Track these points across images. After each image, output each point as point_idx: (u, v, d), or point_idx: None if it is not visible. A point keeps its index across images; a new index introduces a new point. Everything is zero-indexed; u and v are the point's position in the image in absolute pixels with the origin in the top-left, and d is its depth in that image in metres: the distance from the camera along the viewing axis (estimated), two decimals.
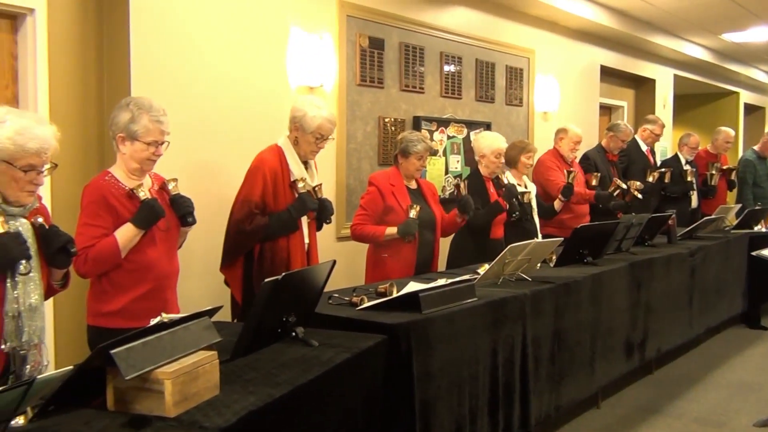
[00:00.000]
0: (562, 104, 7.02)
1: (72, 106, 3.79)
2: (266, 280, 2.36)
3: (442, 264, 4.52)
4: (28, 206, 2.21)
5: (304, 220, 3.62)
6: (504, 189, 4.60)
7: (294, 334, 2.54)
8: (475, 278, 3.42)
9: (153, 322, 2.02)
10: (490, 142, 4.59)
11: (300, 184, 3.52)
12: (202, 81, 4.05)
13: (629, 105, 9.36)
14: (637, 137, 6.81)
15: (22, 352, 1.85)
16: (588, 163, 6.03)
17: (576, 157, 5.71)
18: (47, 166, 2.20)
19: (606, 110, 8.84)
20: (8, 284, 2.10)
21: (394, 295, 3.03)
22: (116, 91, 3.80)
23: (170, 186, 2.90)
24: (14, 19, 3.66)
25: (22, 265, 2.09)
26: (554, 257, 4.25)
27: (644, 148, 6.80)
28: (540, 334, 3.53)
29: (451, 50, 5.69)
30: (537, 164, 5.55)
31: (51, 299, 3.56)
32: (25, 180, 2.13)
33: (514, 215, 4.64)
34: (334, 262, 2.80)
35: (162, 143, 2.77)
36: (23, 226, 2.17)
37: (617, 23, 7.47)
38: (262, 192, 3.45)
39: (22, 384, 1.49)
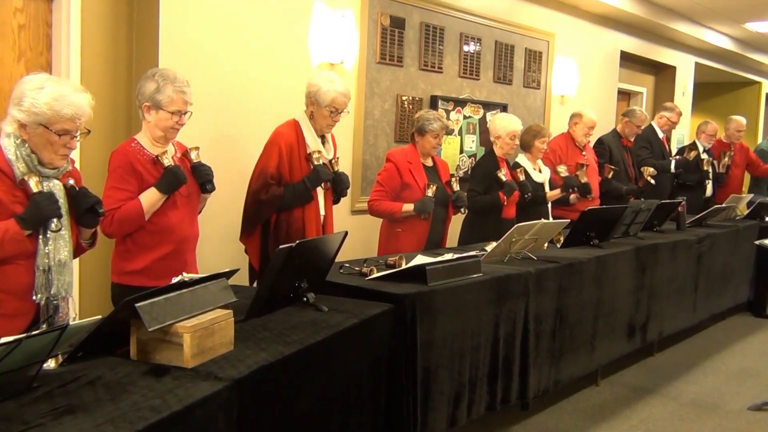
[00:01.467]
0: (581, 88, 7.07)
1: (102, 75, 3.94)
2: (281, 246, 2.50)
3: (453, 240, 4.66)
4: (61, 169, 2.36)
5: (320, 192, 3.76)
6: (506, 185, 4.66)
7: (305, 299, 2.68)
8: (482, 254, 3.54)
9: (175, 280, 2.17)
10: (505, 124, 4.69)
11: (315, 156, 3.65)
12: (227, 55, 4.18)
13: (648, 91, 9.36)
14: (654, 124, 6.86)
15: (54, 301, 2.01)
16: (602, 147, 6.10)
17: (589, 142, 5.77)
18: (81, 132, 2.34)
19: (624, 96, 8.86)
20: (40, 240, 2.26)
21: (403, 267, 3.17)
22: (145, 62, 3.94)
23: (192, 155, 3.05)
24: None
25: (54, 223, 2.24)
26: (562, 238, 4.37)
27: (660, 135, 6.84)
28: (542, 311, 3.65)
29: (471, 31, 5.77)
30: (548, 149, 5.62)
31: (78, 257, 3.77)
32: (60, 144, 2.27)
33: (526, 196, 4.75)
34: (346, 233, 2.94)
35: (185, 113, 2.92)
36: (56, 187, 2.32)
37: (639, 9, 7.47)
38: (278, 164, 3.59)
39: (55, 329, 1.64)
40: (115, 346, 2.05)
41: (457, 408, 3.19)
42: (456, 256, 3.29)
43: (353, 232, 4.63)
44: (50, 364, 1.92)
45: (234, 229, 3.84)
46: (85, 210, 2.41)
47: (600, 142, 6.14)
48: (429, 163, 4.30)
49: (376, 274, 3.16)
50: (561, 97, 6.89)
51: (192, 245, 3.06)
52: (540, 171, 5.12)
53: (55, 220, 2.24)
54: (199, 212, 3.18)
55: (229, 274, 2.33)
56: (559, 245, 4.34)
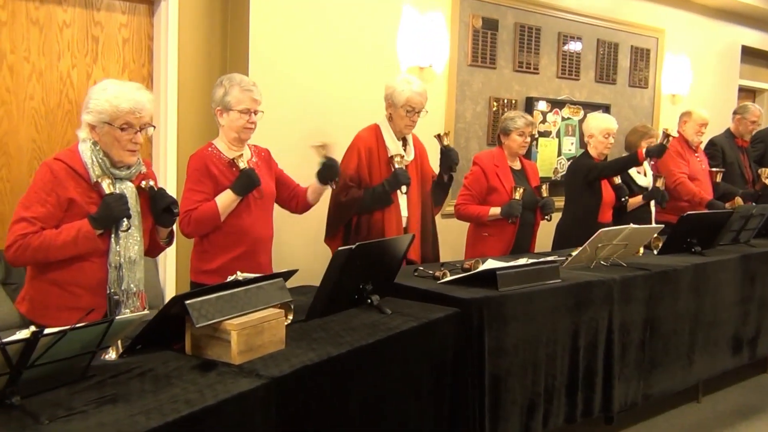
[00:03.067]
0: (695, 86, 6.68)
1: (198, 83, 4.15)
2: (339, 248, 2.53)
3: (544, 245, 4.52)
4: (133, 170, 2.50)
5: (401, 195, 3.76)
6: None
7: (370, 301, 2.70)
8: (561, 260, 3.42)
9: (229, 279, 2.25)
10: (599, 122, 4.51)
11: (396, 159, 3.67)
12: (314, 61, 4.29)
13: None
14: None
15: (116, 297, 2.14)
16: (714, 149, 5.73)
17: (701, 142, 5.43)
18: (145, 128, 2.46)
19: (749, 93, 8.27)
20: (112, 239, 2.41)
21: (475, 271, 3.11)
22: (237, 71, 4.11)
23: (322, 150, 3.21)
24: (151, 4, 4.06)
25: (124, 223, 2.39)
26: (660, 245, 4.14)
27: None
28: (629, 320, 3.47)
29: (571, 30, 5.59)
30: None
31: (174, 257, 3.99)
32: (126, 139, 2.41)
33: (623, 199, 4.54)
34: (413, 236, 2.93)
35: (255, 112, 3.02)
36: (128, 189, 2.47)
37: (761, 0, 6.96)
38: (357, 166, 3.63)
39: (103, 322, 1.74)
40: (174, 341, 2.15)
41: (531, 418, 3.09)
42: (531, 261, 3.19)
43: (443, 236, 4.63)
44: (112, 355, 2.05)
45: (320, 231, 3.92)
46: (161, 209, 2.55)
47: (711, 144, 5.77)
48: (517, 165, 4.21)
49: (447, 278, 3.13)
50: (672, 96, 6.54)
51: (266, 246, 3.16)
52: (645, 174, 4.87)
53: (125, 220, 2.39)
54: (315, 203, 3.35)
55: (287, 275, 2.39)
56: (656, 252, 4.13)
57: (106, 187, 2.36)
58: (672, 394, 3.86)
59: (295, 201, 3.35)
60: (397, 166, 3.65)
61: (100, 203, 2.37)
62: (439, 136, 3.86)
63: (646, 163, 4.92)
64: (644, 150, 4.43)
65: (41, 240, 2.35)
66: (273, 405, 1.92)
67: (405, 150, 3.78)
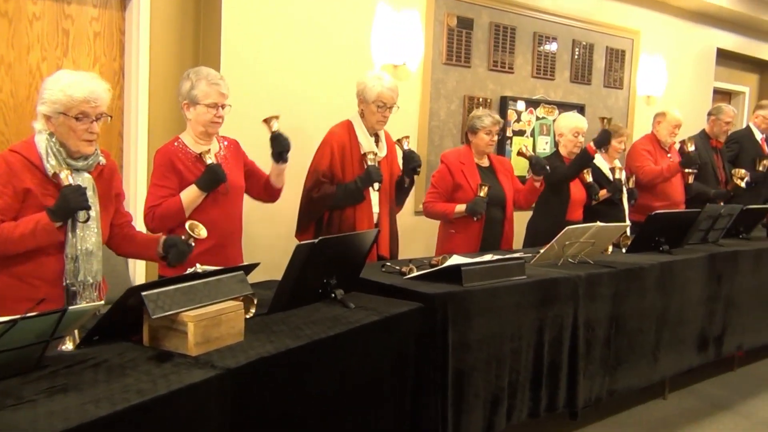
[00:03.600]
0: (670, 88, 6.75)
1: (170, 77, 4.14)
2: (300, 243, 2.55)
3: (518, 243, 4.56)
4: (90, 160, 2.49)
5: (373, 192, 3.78)
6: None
7: (333, 295, 2.72)
8: (527, 257, 3.46)
9: (188, 271, 2.26)
10: (568, 121, 4.57)
11: (369, 156, 3.69)
12: (287, 56, 4.30)
13: (752, 91, 8.79)
14: (751, 124, 6.43)
15: (73, 288, 2.15)
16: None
17: (675, 143, 5.50)
18: (101, 117, 2.45)
19: (724, 96, 8.37)
20: (69, 231, 2.41)
21: (440, 267, 3.14)
22: (209, 65, 4.11)
23: (273, 124, 3.20)
24: None
25: (81, 215, 2.39)
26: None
27: (759, 136, 6.40)
28: (594, 317, 3.52)
29: (546, 30, 5.64)
30: (630, 150, 5.41)
31: None
32: (81, 129, 2.40)
33: (594, 198, 4.59)
34: (378, 231, 2.96)
35: (222, 106, 3.03)
36: (86, 180, 2.47)
37: (736, 4, 7.05)
38: (330, 162, 3.65)
39: (55, 312, 1.75)
40: (133, 333, 2.16)
41: (494, 413, 3.12)
42: (496, 257, 3.23)
43: (417, 234, 4.67)
44: (69, 346, 2.05)
45: (292, 226, 3.93)
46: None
47: (682, 144, 5.83)
48: (485, 163, 4.24)
49: (412, 274, 3.16)
50: (647, 97, 6.61)
51: (233, 240, 3.17)
52: (617, 172, 4.91)
53: (82, 211, 2.38)
54: (280, 186, 3.37)
55: (248, 268, 2.40)
56: (624, 250, 4.18)
57: (64, 178, 2.36)
58: (637, 390, 3.90)
59: (266, 190, 3.37)
60: (370, 163, 3.68)
61: (57, 195, 2.37)
62: (398, 141, 3.87)
63: (616, 161, 4.98)
64: (591, 143, 4.43)
65: None
66: (228, 396, 1.93)
67: (377, 146, 3.80)
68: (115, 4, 4.05)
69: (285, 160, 3.27)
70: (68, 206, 2.33)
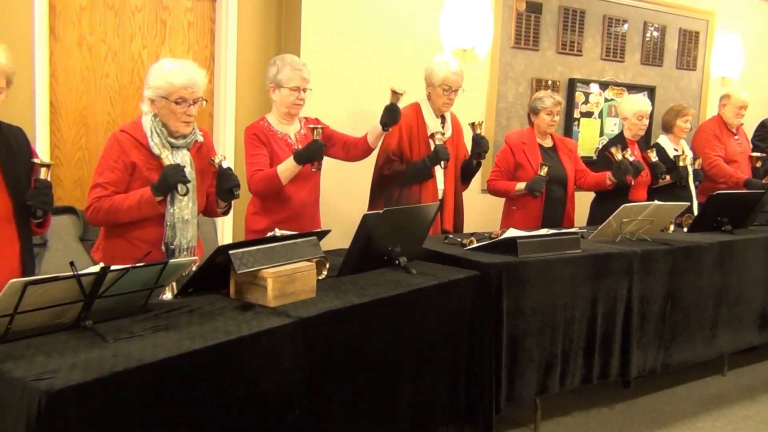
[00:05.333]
0: (747, 69, 6.66)
1: (255, 63, 4.50)
2: (368, 212, 2.83)
3: (581, 220, 4.72)
4: (189, 138, 2.85)
5: (439, 170, 4.03)
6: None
7: (397, 262, 3.00)
8: (582, 232, 3.64)
9: (268, 235, 2.59)
10: (632, 105, 4.66)
11: (437, 136, 3.93)
12: (361, 42, 4.58)
13: None
14: None
15: (171, 248, 2.53)
16: (765, 131, 5.76)
17: (742, 124, 5.48)
18: (198, 102, 2.78)
19: None
20: (168, 202, 2.78)
21: (497, 239, 3.37)
22: (290, 52, 4.44)
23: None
24: None
25: (180, 188, 2.75)
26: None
27: None
28: (649, 291, 3.66)
29: (616, 13, 5.70)
30: (697, 132, 5.44)
31: (231, 218, 4.37)
32: (180, 112, 2.75)
33: (660, 177, 4.67)
34: (440, 204, 3.20)
35: (304, 89, 3.34)
36: (185, 157, 2.83)
37: None
38: (399, 142, 3.92)
39: (159, 263, 2.10)
40: (222, 287, 2.50)
41: (548, 377, 3.34)
42: (552, 232, 3.43)
43: (483, 210, 4.90)
44: (168, 296, 2.41)
45: (365, 202, 4.22)
46: (225, 189, 2.88)
47: (762, 126, 5.81)
48: (548, 143, 4.42)
49: (472, 246, 3.40)
50: (722, 78, 6.54)
51: (309, 212, 3.49)
52: (682, 152, 4.98)
53: (180, 186, 2.74)
54: (374, 146, 3.68)
55: (321, 234, 2.71)
56: (686, 230, 4.28)
57: (164, 158, 2.73)
58: (693, 364, 4.02)
59: (354, 149, 3.67)
60: (437, 142, 3.92)
61: (160, 169, 2.73)
62: (472, 125, 4.06)
63: (683, 142, 5.04)
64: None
65: (110, 204, 2.73)
66: (300, 341, 2.24)
67: (443, 127, 4.04)
68: None
69: (385, 130, 3.58)
70: (167, 182, 2.70)
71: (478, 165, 4.17)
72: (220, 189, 2.89)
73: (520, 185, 4.25)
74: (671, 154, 4.90)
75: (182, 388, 1.90)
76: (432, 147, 3.92)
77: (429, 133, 3.97)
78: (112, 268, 1.97)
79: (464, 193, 4.27)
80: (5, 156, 2.42)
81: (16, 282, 1.79)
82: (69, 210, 3.55)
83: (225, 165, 2.88)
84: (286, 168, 3.31)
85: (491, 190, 4.42)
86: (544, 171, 4.15)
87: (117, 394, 1.74)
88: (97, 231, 3.54)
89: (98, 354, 1.84)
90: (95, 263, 2.92)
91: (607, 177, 4.39)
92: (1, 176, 2.41)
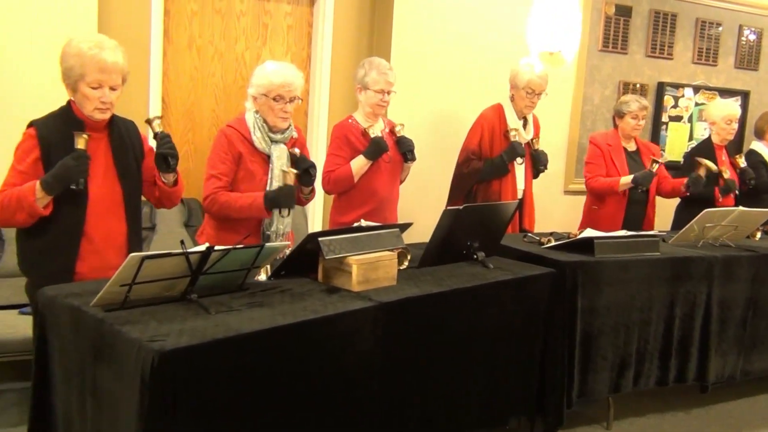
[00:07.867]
0: None
1: (348, 65, 4.72)
2: (448, 207, 2.99)
3: (664, 224, 4.71)
4: (286, 133, 3.11)
5: (519, 168, 4.12)
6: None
7: (475, 257, 3.14)
8: (662, 235, 3.66)
9: (354, 225, 2.78)
10: (720, 109, 4.61)
11: (512, 133, 4.04)
12: (449, 46, 4.73)
13: None
14: None
15: (268, 233, 2.77)
16: None
17: None
18: (294, 100, 3.03)
19: None
20: None
21: (574, 239, 3.45)
22: (381, 55, 4.65)
23: (397, 128, 3.65)
24: None
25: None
26: None
27: None
28: (730, 297, 3.63)
29: (710, 16, 5.62)
30: None
31: (321, 210, 4.63)
32: (278, 108, 3.03)
33: (749, 181, 4.60)
34: (519, 202, 3.31)
35: (388, 92, 3.53)
36: (282, 150, 3.09)
37: None
38: (479, 141, 4.05)
39: (256, 246, 2.33)
40: (310, 272, 2.71)
41: (621, 376, 3.38)
42: (630, 234, 3.48)
43: (565, 211, 4.98)
44: (263, 277, 2.64)
45: (443, 197, 4.37)
46: (302, 171, 3.12)
47: None
48: (632, 147, 4.44)
49: (550, 244, 3.49)
50: None
51: (392, 206, 3.68)
52: None
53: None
54: (403, 180, 3.78)
55: (403, 227, 2.88)
56: None
57: (278, 179, 3.04)
58: None
59: None
60: (512, 139, 4.02)
61: (260, 161, 2.99)
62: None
63: None
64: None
65: (226, 199, 3.02)
66: (380, 324, 2.42)
67: (525, 128, 4.14)
68: (305, 1, 4.68)
69: (409, 159, 3.68)
70: (279, 202, 2.99)
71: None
72: (299, 173, 3.08)
73: (626, 179, 4.27)
74: (766, 158, 4.82)
75: (273, 357, 2.12)
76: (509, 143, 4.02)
77: (506, 130, 4.06)
78: (216, 248, 2.21)
79: (546, 194, 4.36)
80: (117, 146, 2.69)
81: (135, 256, 2.04)
82: None
83: (298, 152, 3.12)
84: (357, 164, 3.51)
85: (592, 188, 4.43)
86: (655, 168, 4.18)
87: (217, 357, 1.97)
88: (199, 217, 3.87)
89: (202, 323, 2.08)
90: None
91: (683, 185, 4.38)
92: (113, 164, 2.67)
